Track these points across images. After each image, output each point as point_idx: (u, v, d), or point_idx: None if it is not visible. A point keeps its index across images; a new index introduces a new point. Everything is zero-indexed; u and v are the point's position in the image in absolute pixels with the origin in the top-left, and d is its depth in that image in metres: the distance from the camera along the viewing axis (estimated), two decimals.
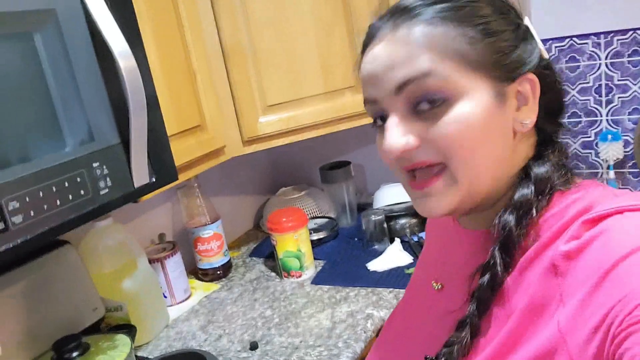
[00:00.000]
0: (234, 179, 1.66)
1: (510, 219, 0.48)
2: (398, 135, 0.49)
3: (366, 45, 0.53)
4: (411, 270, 1.24)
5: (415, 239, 1.38)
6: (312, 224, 1.52)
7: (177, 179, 0.87)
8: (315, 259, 1.35)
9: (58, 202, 0.67)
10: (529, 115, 0.49)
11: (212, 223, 1.36)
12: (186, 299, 1.30)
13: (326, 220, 1.56)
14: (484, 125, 0.47)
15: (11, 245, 0.62)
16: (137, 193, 0.79)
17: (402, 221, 1.42)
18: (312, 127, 1.23)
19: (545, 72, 0.51)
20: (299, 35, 1.17)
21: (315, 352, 0.99)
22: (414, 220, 1.42)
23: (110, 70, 0.72)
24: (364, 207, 1.60)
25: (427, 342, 0.56)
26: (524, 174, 0.50)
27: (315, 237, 1.45)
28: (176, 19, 1.03)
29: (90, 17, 0.70)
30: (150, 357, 1.07)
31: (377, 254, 1.33)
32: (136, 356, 1.05)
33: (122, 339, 0.95)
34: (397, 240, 1.36)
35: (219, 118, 1.13)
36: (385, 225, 1.39)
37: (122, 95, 0.73)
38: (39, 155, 0.65)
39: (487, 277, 0.49)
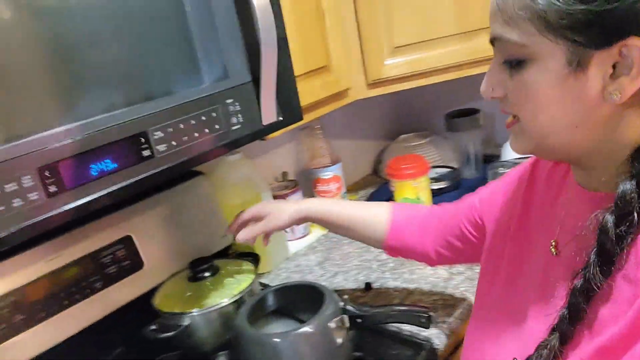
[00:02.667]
0: (356, 122, 1.66)
1: (628, 187, 0.46)
2: (488, 82, 0.53)
3: None
4: None
5: None
6: (432, 173, 1.48)
7: (302, 119, 0.88)
8: None
9: (196, 135, 0.72)
10: (627, 87, 0.45)
11: (333, 165, 1.38)
12: (305, 236, 1.36)
13: (448, 170, 1.51)
14: (553, 90, 0.47)
15: (155, 171, 0.68)
16: (265, 131, 0.82)
17: None
18: (442, 71, 1.16)
19: None
20: None
21: (430, 300, 0.98)
22: None
23: (245, 10, 0.74)
24: (490, 158, 1.51)
25: (540, 308, 0.55)
26: None
27: (435, 186, 1.41)
28: None
29: None
30: (271, 284, 1.15)
31: None
32: (259, 282, 1.13)
33: (248, 265, 1.03)
34: None
35: (345, 59, 1.12)
36: None
37: (255, 34, 0.74)
38: (179, 89, 0.70)
39: (597, 249, 0.47)
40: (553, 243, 0.58)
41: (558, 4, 0.44)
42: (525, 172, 0.68)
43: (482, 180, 1.44)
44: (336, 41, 1.09)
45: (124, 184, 0.65)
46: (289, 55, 0.84)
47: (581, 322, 0.48)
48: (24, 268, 0.84)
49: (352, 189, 1.60)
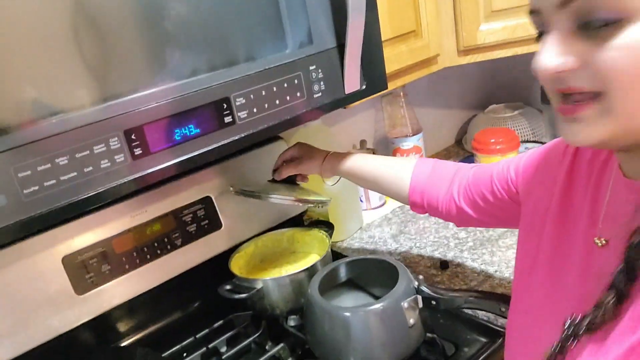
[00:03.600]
0: (442, 90, 1.58)
1: None
2: (554, 53, 0.43)
3: None
4: None
5: None
6: (522, 148, 1.38)
7: (386, 88, 0.84)
8: None
9: (277, 102, 0.71)
10: None
11: (414, 135, 1.33)
12: (380, 206, 1.33)
13: (539, 145, 1.40)
14: None
15: (236, 138, 0.68)
16: (347, 99, 0.79)
17: None
18: None
19: None
20: None
21: (510, 286, 0.93)
22: None
23: None
24: None
25: (581, 303, 0.50)
26: None
27: None
28: None
29: None
30: (343, 254, 1.14)
31: None
32: (333, 252, 1.13)
33: (321, 235, 1.02)
34: None
35: (436, 24, 1.05)
36: None
37: None
38: (263, 55, 0.68)
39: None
40: (598, 235, 0.53)
41: None
42: (566, 151, 0.62)
43: None
44: (429, 3, 1.02)
45: (205, 149, 0.65)
46: (378, 21, 0.80)
47: (636, 281, 0.45)
48: (111, 221, 0.88)
49: None
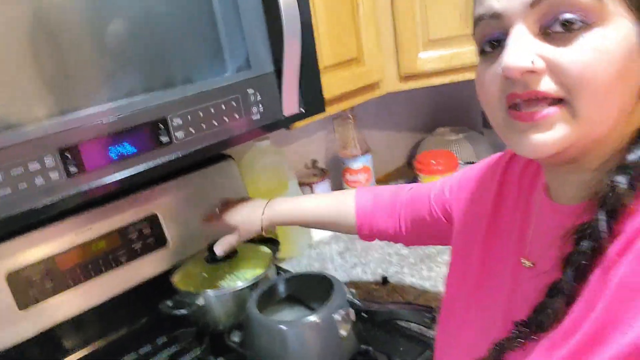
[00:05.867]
0: (391, 113, 1.64)
1: (621, 180, 0.42)
2: (524, 52, 0.41)
3: None
4: None
5: None
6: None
7: (324, 110, 0.89)
8: None
9: (215, 123, 0.74)
10: None
11: (363, 155, 1.38)
12: None
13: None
14: (623, 62, 0.40)
15: (174, 157, 0.71)
16: (286, 121, 0.83)
17: None
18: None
19: None
20: None
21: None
22: None
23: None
24: None
25: (507, 323, 0.51)
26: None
27: None
28: None
29: None
30: (292, 270, 1.17)
31: None
32: (278, 267, 1.16)
33: (266, 251, 1.05)
34: None
35: (377, 51, 1.11)
36: None
37: (279, 24, 0.75)
38: (201, 78, 0.72)
39: (587, 241, 0.43)
40: (526, 256, 0.54)
41: None
42: (497, 169, 0.64)
43: None
44: (370, 33, 1.08)
45: (142, 168, 0.68)
46: (314, 47, 0.84)
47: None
48: (56, 238, 0.89)
49: (383, 180, 1.60)
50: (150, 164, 0.68)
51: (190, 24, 0.70)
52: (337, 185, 1.44)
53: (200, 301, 0.91)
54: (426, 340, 0.87)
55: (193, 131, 0.72)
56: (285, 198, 0.95)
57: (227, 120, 0.75)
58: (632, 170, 0.42)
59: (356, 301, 0.80)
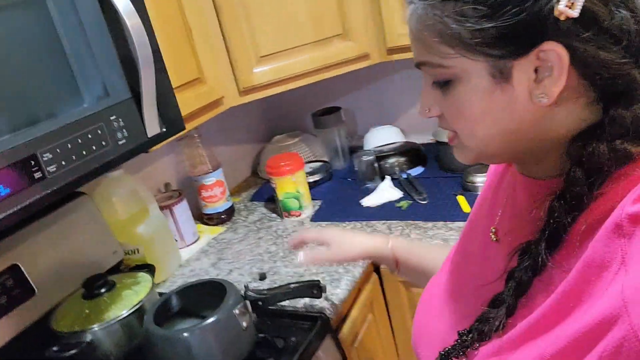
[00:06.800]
0: (231, 128, 1.74)
1: (578, 174, 0.46)
2: (423, 104, 0.54)
3: None
4: (402, 204, 1.35)
5: (404, 175, 1.48)
6: (307, 168, 1.61)
7: (184, 128, 0.95)
8: (312, 199, 1.45)
9: (84, 153, 0.75)
10: (551, 88, 0.45)
11: (214, 171, 1.44)
12: (195, 242, 1.40)
13: (320, 163, 1.66)
14: (482, 104, 0.48)
15: (49, 191, 0.70)
16: (151, 142, 0.87)
17: (391, 160, 1.52)
18: (304, 75, 1.29)
19: (587, 38, 0.43)
20: None
21: (318, 278, 1.10)
22: (402, 159, 1.52)
23: (117, 29, 0.79)
24: (355, 149, 1.69)
25: (484, 295, 0.54)
26: (592, 131, 0.47)
27: (311, 179, 1.54)
28: None
29: None
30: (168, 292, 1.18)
31: (370, 191, 1.44)
32: (157, 293, 1.16)
33: (144, 276, 1.06)
34: (388, 178, 1.46)
35: (216, 70, 1.20)
36: (376, 164, 1.48)
37: (130, 52, 0.79)
38: (62, 111, 0.73)
39: (543, 234, 0.47)
40: (493, 230, 0.59)
41: (469, 24, 0.45)
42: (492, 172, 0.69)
43: (351, 169, 1.62)
44: (205, 54, 1.16)
45: (19, 206, 0.66)
46: (165, 69, 0.90)
47: (524, 297, 0.49)
48: None
49: (235, 192, 1.68)
50: (27, 201, 0.67)
51: (42, 61, 0.71)
52: (196, 204, 1.48)
53: (87, 338, 0.89)
54: (314, 315, 0.98)
55: (64, 163, 0.72)
56: (395, 236, 0.86)
57: (95, 148, 0.77)
58: (586, 165, 0.46)
59: (249, 293, 0.88)
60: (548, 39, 0.43)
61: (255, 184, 1.72)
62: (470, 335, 0.51)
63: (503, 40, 0.44)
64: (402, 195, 1.39)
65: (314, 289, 0.86)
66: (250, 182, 1.76)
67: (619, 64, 0.44)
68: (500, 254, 0.54)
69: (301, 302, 1.02)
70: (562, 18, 0.42)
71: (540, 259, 0.47)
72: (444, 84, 0.50)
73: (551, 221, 0.46)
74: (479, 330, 0.50)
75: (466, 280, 0.61)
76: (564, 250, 0.47)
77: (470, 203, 1.26)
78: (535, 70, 0.45)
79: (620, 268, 0.39)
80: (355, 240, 0.83)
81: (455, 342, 0.53)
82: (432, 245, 0.84)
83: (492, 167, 0.68)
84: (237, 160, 1.78)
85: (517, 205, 0.56)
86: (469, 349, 0.51)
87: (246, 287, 0.88)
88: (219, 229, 1.46)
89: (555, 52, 0.44)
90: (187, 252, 1.36)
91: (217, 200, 1.46)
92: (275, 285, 1.10)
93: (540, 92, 0.46)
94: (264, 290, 0.89)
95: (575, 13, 0.42)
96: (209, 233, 1.44)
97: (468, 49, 0.46)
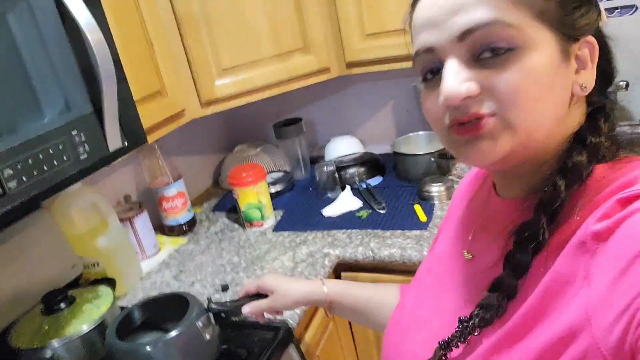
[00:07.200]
0: (192, 139, 1.73)
1: (561, 182, 0.46)
2: (459, 81, 0.46)
3: None
4: (362, 213, 1.38)
5: (364, 185, 1.52)
6: (269, 178, 1.63)
7: (146, 141, 0.95)
8: (274, 209, 1.47)
9: (45, 168, 0.75)
10: (588, 79, 0.47)
11: (175, 182, 1.44)
12: (156, 254, 1.39)
13: (282, 173, 1.68)
14: (550, 79, 0.45)
15: (10, 208, 0.70)
16: (112, 156, 0.87)
17: (352, 170, 1.55)
18: (266, 88, 1.31)
19: (602, 38, 0.50)
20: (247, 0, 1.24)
21: None
22: (362, 169, 1.56)
23: (79, 43, 0.79)
24: (316, 159, 1.72)
25: (458, 307, 0.55)
26: (577, 141, 0.48)
27: (272, 189, 1.56)
28: None
29: None
30: (130, 306, 1.17)
31: (330, 201, 1.47)
32: (118, 306, 1.15)
33: (105, 289, 1.05)
34: (348, 188, 1.50)
35: (178, 83, 1.20)
36: (336, 175, 1.52)
37: (92, 66, 0.80)
38: (23, 127, 0.72)
39: (528, 236, 0.47)
40: (466, 252, 0.58)
41: None
42: (479, 174, 0.68)
43: (312, 179, 1.65)
44: (167, 67, 1.17)
45: None
46: (127, 83, 0.90)
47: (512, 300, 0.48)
48: None
49: (196, 203, 1.68)
50: None
51: (2, 76, 0.70)
52: (156, 215, 1.47)
53: (47, 354, 0.88)
54: (276, 325, 1.00)
55: (25, 179, 0.72)
56: (330, 280, 0.86)
57: (56, 163, 0.77)
58: (570, 173, 0.46)
59: (212, 305, 0.89)
60: (590, 33, 0.48)
61: (217, 195, 1.73)
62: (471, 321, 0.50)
63: (567, 22, 0.46)
64: (361, 205, 1.43)
65: None
66: (212, 192, 1.76)
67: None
68: (472, 268, 0.56)
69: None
70: (604, 19, 0.48)
71: (523, 265, 0.47)
72: (504, 52, 0.45)
73: (529, 233, 0.47)
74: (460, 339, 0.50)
75: (446, 300, 0.59)
76: (538, 261, 0.47)
77: (427, 212, 1.31)
78: (575, 60, 0.47)
79: (584, 283, 0.41)
80: (292, 287, 0.84)
81: (455, 330, 0.52)
82: (367, 285, 0.83)
83: (458, 193, 0.68)
84: (198, 170, 1.78)
85: (493, 225, 0.55)
86: (469, 336, 0.50)
87: (209, 299, 0.89)
88: (181, 240, 1.46)
89: (592, 45, 0.47)
90: (148, 264, 1.35)
91: (178, 212, 1.46)
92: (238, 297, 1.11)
93: (583, 81, 0.47)
94: (226, 302, 0.90)
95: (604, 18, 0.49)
96: (170, 244, 1.44)
97: (546, 18, 0.46)
